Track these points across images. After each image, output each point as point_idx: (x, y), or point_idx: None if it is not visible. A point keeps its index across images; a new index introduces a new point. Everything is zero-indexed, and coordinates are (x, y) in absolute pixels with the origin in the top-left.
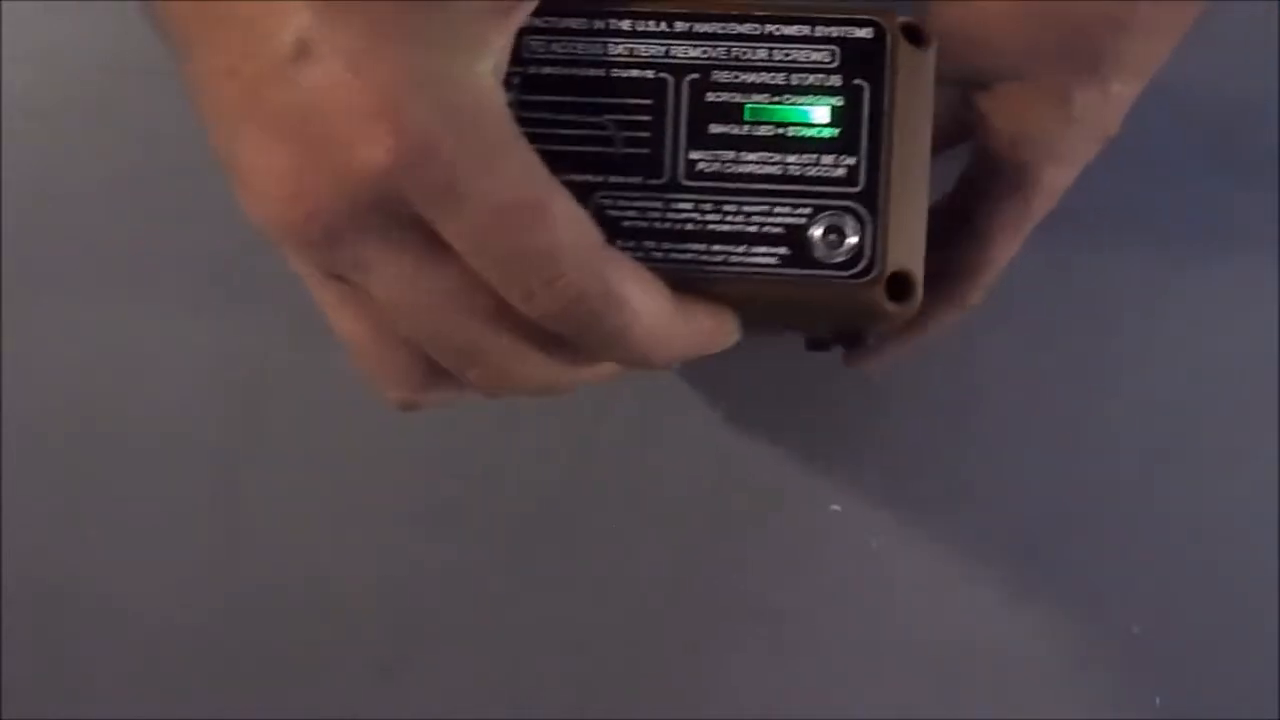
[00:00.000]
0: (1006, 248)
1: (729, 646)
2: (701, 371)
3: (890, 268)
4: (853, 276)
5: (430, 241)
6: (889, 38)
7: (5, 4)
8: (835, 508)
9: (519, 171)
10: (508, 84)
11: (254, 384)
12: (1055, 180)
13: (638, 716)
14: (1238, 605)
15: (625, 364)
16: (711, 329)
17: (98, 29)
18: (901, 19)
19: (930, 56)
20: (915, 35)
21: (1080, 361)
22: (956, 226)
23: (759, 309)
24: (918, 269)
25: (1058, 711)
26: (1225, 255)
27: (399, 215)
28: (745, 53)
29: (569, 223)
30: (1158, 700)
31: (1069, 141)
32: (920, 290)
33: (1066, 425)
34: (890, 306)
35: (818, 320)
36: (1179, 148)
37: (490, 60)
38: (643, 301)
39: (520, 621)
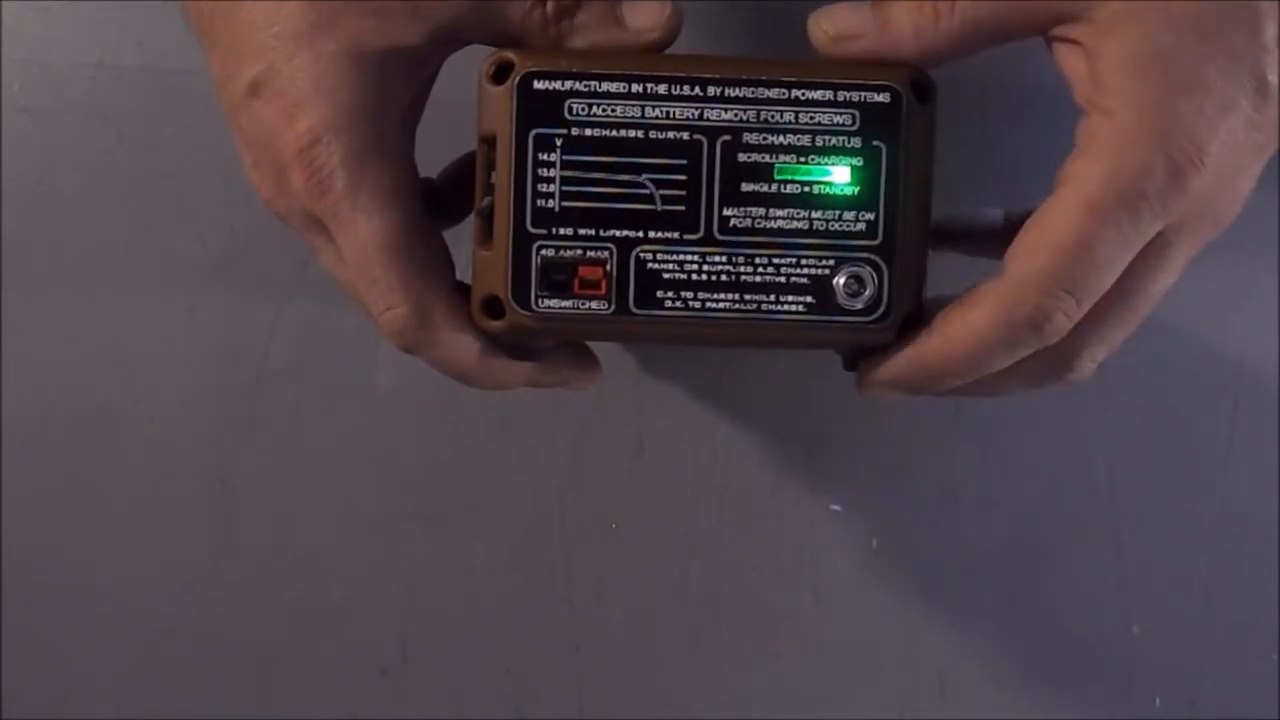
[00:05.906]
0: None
1: (729, 646)
2: (701, 372)
3: (902, 311)
4: (872, 321)
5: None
6: (904, 102)
7: (4, 4)
8: (835, 508)
9: (375, 231)
10: (551, 145)
11: (252, 383)
12: None
13: (638, 716)
14: (1238, 605)
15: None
16: (521, 376)
17: (96, 30)
18: (911, 75)
19: (933, 109)
20: (923, 93)
21: None
22: None
23: (783, 344)
24: (920, 307)
25: (1058, 711)
26: (1225, 255)
27: (319, 221)
28: (774, 116)
29: (404, 290)
30: (1158, 700)
31: None
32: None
33: (1066, 425)
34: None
35: (829, 348)
36: None
37: (395, 114)
38: (453, 346)
39: (520, 621)
